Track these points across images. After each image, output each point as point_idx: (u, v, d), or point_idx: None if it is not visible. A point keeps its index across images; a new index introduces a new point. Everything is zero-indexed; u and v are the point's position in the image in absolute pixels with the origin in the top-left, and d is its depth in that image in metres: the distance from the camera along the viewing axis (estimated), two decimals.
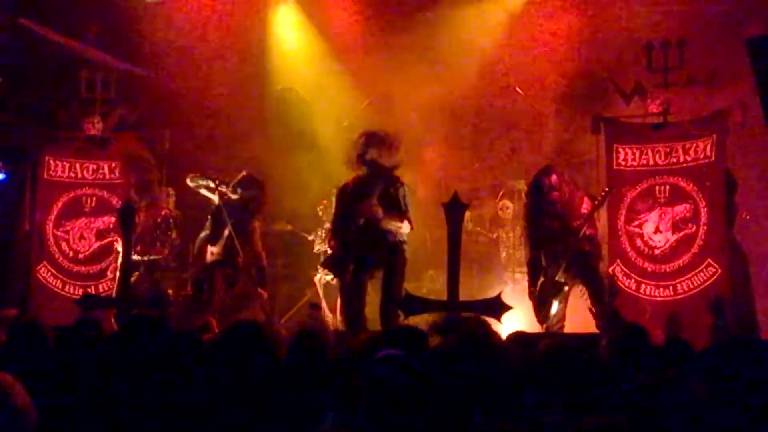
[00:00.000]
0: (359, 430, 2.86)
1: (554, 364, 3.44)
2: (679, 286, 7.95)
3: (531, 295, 7.54)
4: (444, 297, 6.11)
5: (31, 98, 9.91)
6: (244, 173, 8.59)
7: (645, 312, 7.88)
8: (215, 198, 8.40)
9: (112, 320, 7.12)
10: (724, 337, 6.94)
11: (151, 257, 8.42)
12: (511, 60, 9.81)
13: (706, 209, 7.90)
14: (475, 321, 4.04)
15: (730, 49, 8.40)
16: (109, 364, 3.92)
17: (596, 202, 7.49)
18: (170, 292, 8.78)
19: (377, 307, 7.17)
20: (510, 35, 9.75)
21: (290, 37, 10.29)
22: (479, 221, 10.15)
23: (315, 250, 9.45)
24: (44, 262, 9.28)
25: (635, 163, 8.29)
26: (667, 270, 8.04)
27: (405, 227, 7.14)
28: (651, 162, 8.24)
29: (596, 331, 6.97)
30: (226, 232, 8.27)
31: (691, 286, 7.89)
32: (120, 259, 7.67)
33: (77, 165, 9.47)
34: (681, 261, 7.98)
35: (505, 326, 6.01)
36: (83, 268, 9.31)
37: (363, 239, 7.08)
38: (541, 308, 7.45)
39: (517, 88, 10.05)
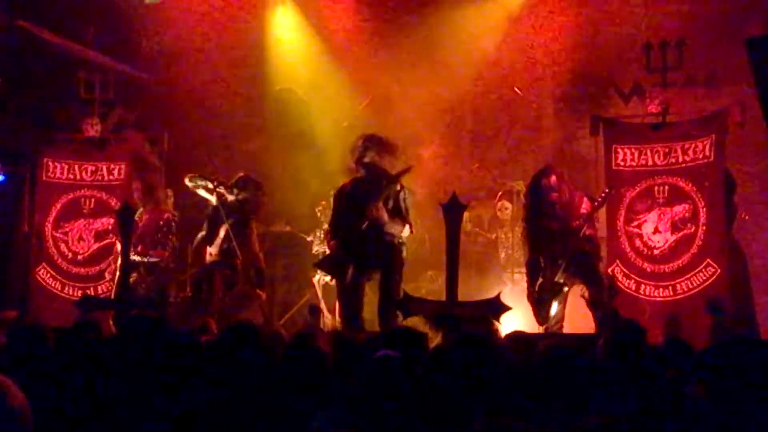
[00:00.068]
0: (351, 430, 2.85)
1: (553, 365, 3.43)
2: (678, 286, 7.94)
3: (530, 296, 7.53)
4: (443, 297, 6.11)
5: (29, 100, 9.92)
6: (241, 174, 8.58)
7: (644, 312, 7.88)
8: (213, 199, 8.39)
9: (110, 322, 7.12)
10: (723, 337, 6.94)
11: (152, 259, 8.41)
12: (510, 60, 9.82)
13: (705, 209, 7.89)
14: (480, 318, 4.04)
15: (729, 49, 8.40)
16: (108, 365, 3.92)
17: (596, 203, 7.49)
18: (170, 293, 8.79)
19: (375, 307, 7.17)
20: (509, 36, 9.75)
21: (289, 37, 10.29)
22: (478, 222, 10.15)
23: (314, 251, 9.45)
24: (43, 264, 9.27)
25: (634, 164, 8.28)
26: (667, 270, 8.03)
27: (406, 231, 7.16)
28: (650, 162, 8.23)
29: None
30: (223, 233, 8.26)
31: (691, 287, 7.88)
32: (119, 261, 7.67)
33: (76, 166, 9.45)
34: (680, 261, 7.97)
35: (505, 326, 6.01)
36: (82, 270, 9.30)
37: (362, 241, 7.08)
38: (540, 309, 7.44)
39: (516, 89, 10.05)
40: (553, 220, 7.40)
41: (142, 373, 3.65)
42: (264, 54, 10.36)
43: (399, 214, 7.11)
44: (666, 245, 8.07)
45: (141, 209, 8.53)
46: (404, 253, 7.23)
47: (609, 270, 8.07)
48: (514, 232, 9.66)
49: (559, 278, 7.38)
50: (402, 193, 7.17)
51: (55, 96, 10.04)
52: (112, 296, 8.14)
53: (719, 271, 7.70)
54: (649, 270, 8.09)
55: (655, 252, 8.09)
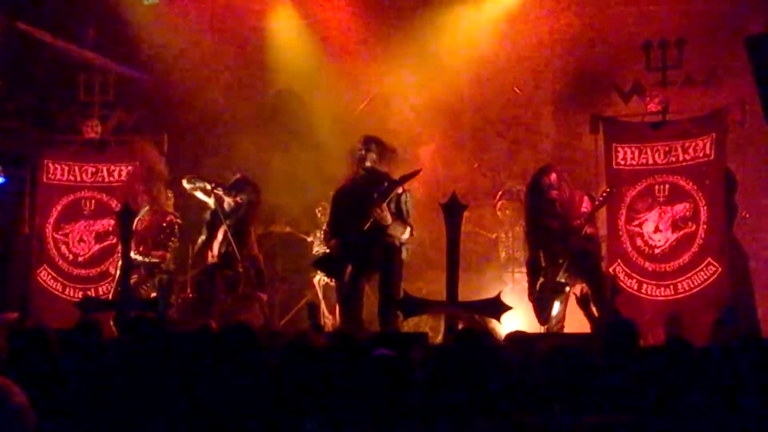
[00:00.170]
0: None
1: (554, 365, 3.43)
2: (679, 285, 7.94)
3: (531, 296, 7.52)
4: (443, 298, 6.10)
5: (29, 101, 9.92)
6: (238, 175, 8.58)
7: (645, 312, 7.88)
8: (210, 201, 8.39)
9: (111, 323, 7.12)
10: (724, 336, 6.93)
11: (153, 259, 8.41)
12: (509, 59, 9.80)
13: (705, 208, 7.89)
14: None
15: (729, 48, 8.39)
16: (109, 366, 3.93)
17: (597, 202, 7.48)
18: (171, 294, 8.79)
19: (376, 308, 7.18)
20: (508, 35, 9.73)
21: (288, 38, 10.27)
22: (478, 221, 10.13)
23: (314, 252, 9.45)
24: (44, 266, 9.28)
25: (634, 162, 8.28)
26: (668, 269, 8.03)
27: (406, 233, 7.17)
28: (650, 161, 8.23)
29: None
30: (221, 236, 8.27)
31: (692, 285, 7.88)
32: (120, 262, 7.67)
33: (76, 168, 9.47)
34: (681, 260, 7.97)
35: (505, 326, 6.00)
36: (83, 271, 9.31)
37: (361, 241, 7.08)
38: (542, 309, 7.43)
39: (516, 88, 10.04)
40: (553, 218, 7.40)
41: (142, 373, 3.66)
42: (263, 55, 10.35)
43: (400, 217, 7.12)
44: (667, 244, 8.07)
45: (147, 208, 8.53)
46: (404, 254, 7.23)
47: (610, 269, 8.07)
48: (515, 231, 9.65)
49: (561, 278, 7.37)
50: (404, 196, 7.17)
51: (55, 98, 10.04)
52: (111, 297, 8.15)
53: (720, 269, 7.70)
54: (650, 269, 8.09)
55: (656, 251, 8.09)
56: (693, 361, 3.86)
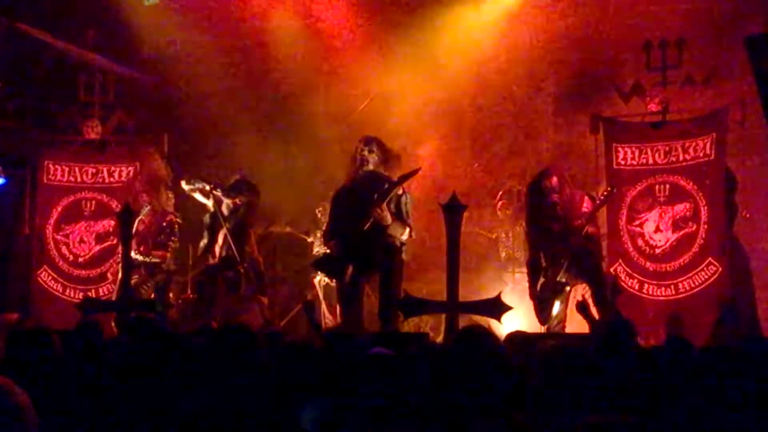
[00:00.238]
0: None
1: (554, 365, 3.43)
2: (680, 285, 7.95)
3: (532, 296, 7.52)
4: (443, 297, 6.10)
5: (29, 102, 9.92)
6: (237, 177, 8.58)
7: (647, 312, 7.88)
8: (209, 203, 8.39)
9: (113, 324, 7.12)
10: (724, 336, 6.94)
11: (153, 260, 8.41)
12: (509, 59, 9.80)
13: (706, 208, 7.90)
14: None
15: (729, 48, 8.39)
16: (110, 367, 3.93)
17: (598, 202, 7.48)
18: (171, 295, 8.79)
19: (376, 308, 7.17)
20: (508, 34, 9.73)
21: (287, 38, 10.27)
22: (478, 221, 10.13)
23: (314, 252, 9.44)
24: (44, 266, 9.29)
25: (635, 162, 8.29)
26: (668, 269, 8.04)
27: (406, 234, 7.17)
28: (650, 161, 8.24)
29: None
30: (221, 239, 8.27)
31: (693, 285, 7.89)
32: (120, 262, 7.67)
33: (76, 169, 9.48)
34: (682, 260, 7.98)
35: (505, 326, 6.00)
36: (83, 272, 9.32)
37: (362, 242, 7.08)
38: (542, 309, 7.43)
39: (515, 88, 10.04)
40: (554, 221, 7.40)
41: (143, 374, 3.66)
42: (263, 55, 10.35)
43: (400, 217, 7.12)
44: (667, 244, 8.08)
45: (147, 208, 8.52)
46: (404, 254, 7.23)
47: (612, 269, 8.08)
48: (515, 231, 9.65)
49: (562, 278, 7.38)
50: (404, 197, 7.17)
51: (55, 98, 10.04)
52: (114, 298, 8.15)
53: (721, 269, 7.71)
54: (651, 269, 8.10)
55: (657, 251, 8.10)
56: (693, 361, 3.86)
